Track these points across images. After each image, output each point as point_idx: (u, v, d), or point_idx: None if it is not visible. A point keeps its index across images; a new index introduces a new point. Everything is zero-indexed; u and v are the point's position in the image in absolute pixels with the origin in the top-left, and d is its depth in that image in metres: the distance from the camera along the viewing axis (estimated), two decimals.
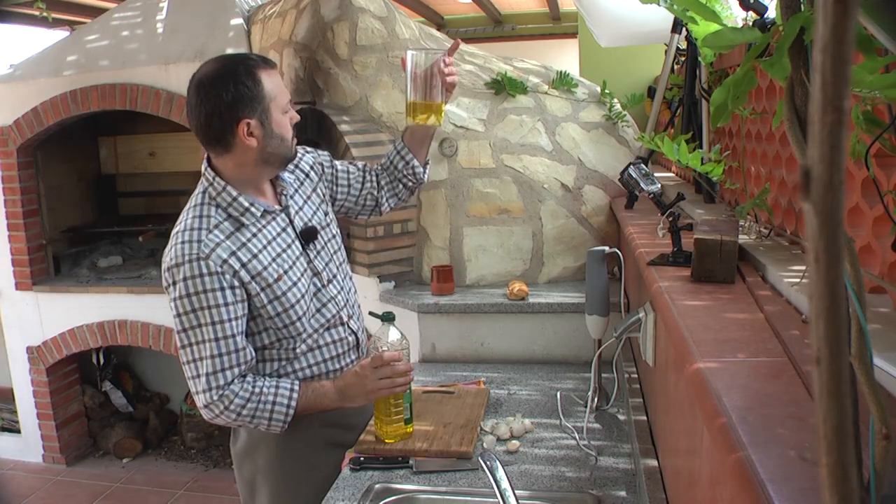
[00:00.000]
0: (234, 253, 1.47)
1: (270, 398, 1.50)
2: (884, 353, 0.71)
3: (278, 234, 1.55)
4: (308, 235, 1.60)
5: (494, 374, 2.19)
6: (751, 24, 1.52)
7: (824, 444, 0.30)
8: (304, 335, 1.57)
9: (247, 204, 1.51)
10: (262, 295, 1.49)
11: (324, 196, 1.73)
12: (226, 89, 1.42)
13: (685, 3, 0.91)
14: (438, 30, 4.91)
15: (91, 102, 3.67)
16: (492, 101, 2.67)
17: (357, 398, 1.57)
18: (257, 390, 1.49)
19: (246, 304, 1.49)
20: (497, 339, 2.34)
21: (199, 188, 1.54)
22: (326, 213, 1.71)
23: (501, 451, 1.65)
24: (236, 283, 1.46)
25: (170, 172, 4.32)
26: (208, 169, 1.52)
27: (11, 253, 3.90)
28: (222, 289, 1.45)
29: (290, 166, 1.65)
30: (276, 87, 1.48)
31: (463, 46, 3.09)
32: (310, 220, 1.63)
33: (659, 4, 0.94)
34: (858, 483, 0.34)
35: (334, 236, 1.70)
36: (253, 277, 1.48)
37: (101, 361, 4.32)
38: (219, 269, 1.44)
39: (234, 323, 1.46)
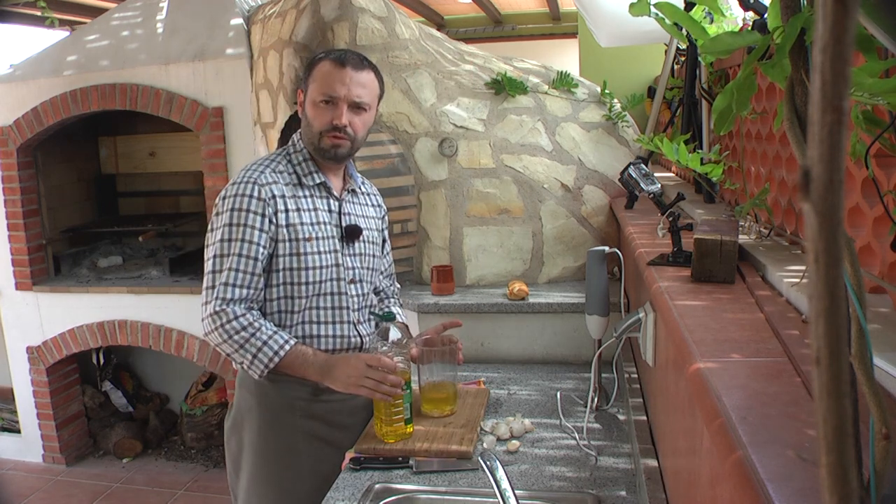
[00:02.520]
0: (284, 196, 1.61)
1: (264, 338, 1.55)
2: (884, 353, 0.71)
3: (324, 210, 1.67)
4: (351, 232, 1.69)
5: (494, 374, 2.19)
6: (751, 24, 1.52)
7: (824, 444, 0.30)
8: (305, 300, 1.62)
9: (312, 168, 1.67)
10: (287, 244, 1.59)
11: (379, 227, 1.82)
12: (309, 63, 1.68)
13: (675, 16, 0.90)
14: (438, 30, 4.91)
15: (91, 102, 3.66)
16: (492, 101, 2.67)
17: (336, 382, 1.59)
18: (257, 325, 1.56)
19: (274, 244, 1.59)
20: (497, 339, 2.33)
21: (280, 148, 1.72)
22: (376, 234, 1.79)
23: (501, 451, 1.65)
24: (274, 221, 1.58)
25: (170, 172, 4.32)
26: (294, 135, 1.72)
27: (11, 253, 3.89)
28: (263, 216, 1.57)
29: (365, 188, 1.79)
30: (321, 78, 1.62)
31: (463, 46, 3.09)
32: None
33: (649, 15, 0.93)
34: (858, 483, 0.34)
35: (374, 255, 1.78)
36: (287, 225, 1.60)
37: (101, 361, 4.31)
38: (266, 198, 1.58)
39: (261, 249, 1.57)
